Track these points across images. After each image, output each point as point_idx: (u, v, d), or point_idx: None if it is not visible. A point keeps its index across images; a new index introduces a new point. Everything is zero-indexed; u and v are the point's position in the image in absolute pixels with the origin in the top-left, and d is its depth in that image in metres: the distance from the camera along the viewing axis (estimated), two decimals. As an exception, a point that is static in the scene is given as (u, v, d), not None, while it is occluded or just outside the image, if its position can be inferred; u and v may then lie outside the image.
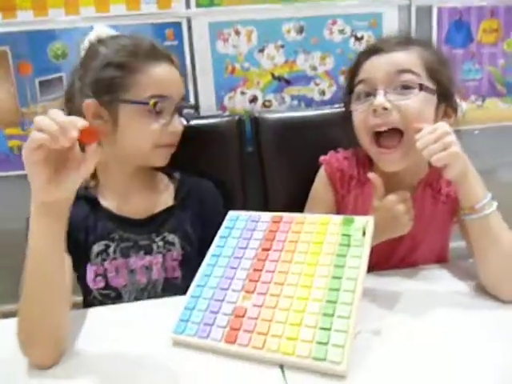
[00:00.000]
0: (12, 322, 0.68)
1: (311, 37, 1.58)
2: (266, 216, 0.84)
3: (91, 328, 0.77)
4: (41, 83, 1.45)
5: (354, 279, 0.68)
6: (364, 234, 0.73)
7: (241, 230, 0.83)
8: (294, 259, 0.75)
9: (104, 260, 0.90)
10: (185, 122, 0.94)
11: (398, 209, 0.80)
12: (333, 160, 1.00)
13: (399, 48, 0.86)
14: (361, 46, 1.61)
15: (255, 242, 0.80)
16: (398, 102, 0.82)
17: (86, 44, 0.90)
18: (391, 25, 1.62)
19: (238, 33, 1.53)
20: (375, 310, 0.76)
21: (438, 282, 0.85)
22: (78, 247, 0.88)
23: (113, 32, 0.93)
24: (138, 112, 0.85)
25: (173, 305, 0.75)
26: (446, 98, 0.87)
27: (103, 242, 0.90)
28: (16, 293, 0.72)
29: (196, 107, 0.94)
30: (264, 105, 1.61)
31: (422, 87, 0.82)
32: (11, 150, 1.50)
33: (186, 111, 0.95)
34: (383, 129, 0.84)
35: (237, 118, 1.20)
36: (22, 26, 1.42)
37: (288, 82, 1.61)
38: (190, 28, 1.52)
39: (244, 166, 1.27)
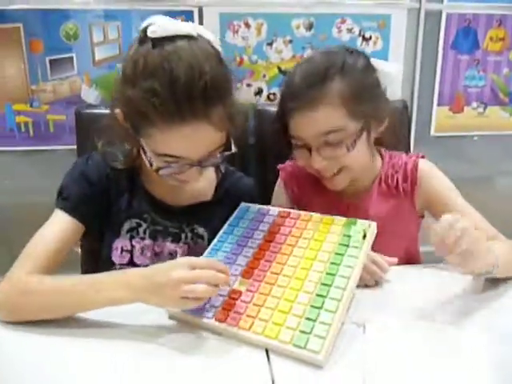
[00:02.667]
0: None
1: (320, 34, 1.60)
2: (275, 210, 0.88)
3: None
4: (51, 62, 1.47)
5: (346, 277, 0.72)
6: (364, 236, 0.77)
7: (249, 220, 0.87)
8: (293, 253, 0.78)
9: (133, 237, 0.91)
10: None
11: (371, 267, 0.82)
12: (288, 166, 1.06)
13: (315, 101, 0.84)
14: (368, 47, 1.63)
15: (260, 233, 0.84)
16: (334, 155, 0.87)
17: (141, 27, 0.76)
18: (399, 27, 1.64)
19: (248, 25, 1.55)
20: (361, 303, 0.78)
21: (427, 281, 0.88)
22: (109, 220, 0.90)
23: (175, 29, 0.74)
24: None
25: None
26: (372, 118, 0.89)
27: (135, 220, 0.91)
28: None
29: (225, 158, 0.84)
30: (269, 98, 1.63)
31: (350, 146, 0.86)
32: (18, 126, 1.53)
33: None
34: (327, 175, 0.91)
35: (241, 109, 1.22)
36: (37, 3, 1.44)
37: (294, 77, 1.63)
38: (201, 17, 1.54)
39: (245, 158, 1.29)
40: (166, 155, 0.77)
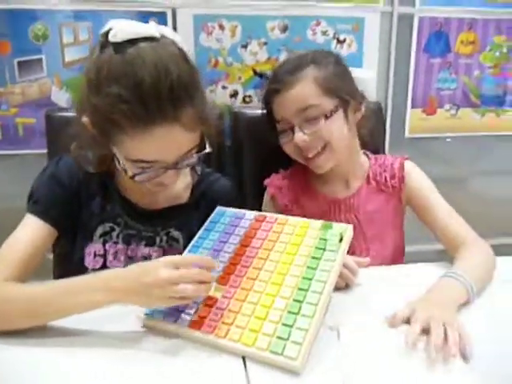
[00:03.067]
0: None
1: (294, 36, 1.60)
2: (251, 214, 0.87)
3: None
4: (20, 63, 1.43)
5: (323, 282, 0.71)
6: (341, 240, 0.77)
7: (225, 225, 0.86)
8: (269, 257, 0.77)
9: (106, 242, 0.90)
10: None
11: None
12: (274, 181, 1.11)
13: (293, 83, 0.95)
14: (342, 49, 1.64)
15: (236, 238, 0.82)
16: (313, 130, 0.95)
17: (103, 30, 0.74)
18: (373, 30, 1.66)
19: (222, 27, 1.54)
20: (334, 307, 0.77)
21: (401, 281, 0.88)
22: (81, 224, 0.89)
23: (137, 32, 0.72)
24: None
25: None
26: (350, 100, 0.98)
27: (109, 224, 0.90)
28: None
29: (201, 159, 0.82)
30: (244, 100, 1.62)
31: (326, 116, 0.94)
32: (-14, 129, 1.48)
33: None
34: (311, 155, 0.98)
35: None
36: (4, 3, 1.39)
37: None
38: (174, 19, 1.52)
39: (221, 160, 1.28)
40: (139, 161, 0.75)
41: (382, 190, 1.05)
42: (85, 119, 0.76)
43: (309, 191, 1.08)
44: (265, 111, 1.04)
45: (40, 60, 1.43)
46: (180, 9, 1.52)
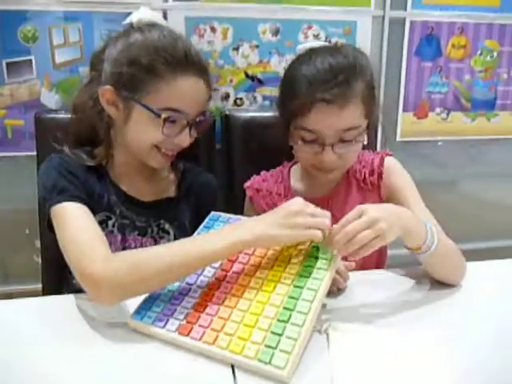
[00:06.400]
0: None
1: (286, 39, 1.59)
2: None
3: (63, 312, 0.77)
4: (8, 65, 1.41)
5: (314, 290, 0.70)
6: None
7: None
8: (262, 264, 0.77)
9: (102, 230, 0.89)
10: (195, 135, 0.93)
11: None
12: (253, 184, 1.11)
13: (347, 99, 0.87)
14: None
15: None
16: (347, 151, 0.91)
17: (126, 21, 0.93)
18: (364, 33, 1.66)
19: (213, 29, 1.53)
20: (326, 310, 0.78)
21: (387, 284, 0.88)
22: None
23: (157, 18, 0.95)
24: (149, 117, 0.85)
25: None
26: (372, 117, 0.95)
27: (105, 213, 0.94)
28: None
29: (213, 121, 0.99)
30: (235, 103, 1.61)
31: (362, 140, 0.92)
32: (-25, 130, 1.46)
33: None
34: (328, 170, 0.95)
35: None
36: (-8, 4, 1.37)
37: (261, 82, 1.62)
38: (165, 21, 1.51)
39: (212, 163, 1.27)
40: (168, 109, 0.85)
41: (361, 187, 1.01)
42: (106, 88, 0.86)
43: (287, 193, 1.06)
44: (280, 110, 0.99)
45: (29, 61, 1.41)
46: (171, 11, 1.51)
